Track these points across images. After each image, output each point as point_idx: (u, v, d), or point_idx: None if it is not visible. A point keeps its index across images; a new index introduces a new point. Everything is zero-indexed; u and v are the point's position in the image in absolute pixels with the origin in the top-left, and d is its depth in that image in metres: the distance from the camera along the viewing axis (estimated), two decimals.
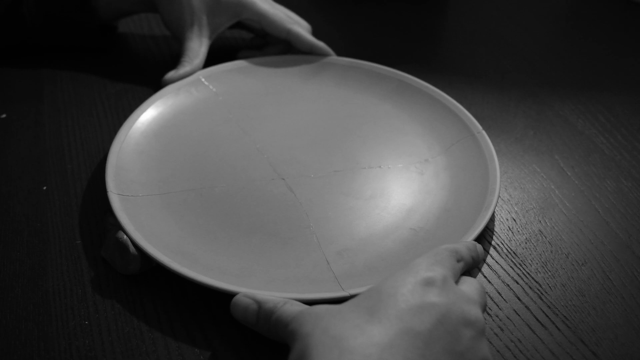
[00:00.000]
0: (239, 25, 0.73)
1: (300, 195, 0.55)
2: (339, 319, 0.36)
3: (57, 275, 0.49)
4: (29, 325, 0.46)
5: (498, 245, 0.53)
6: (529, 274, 0.51)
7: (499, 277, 0.50)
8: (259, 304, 0.42)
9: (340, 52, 0.71)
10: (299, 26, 0.70)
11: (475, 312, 0.38)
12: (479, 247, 0.46)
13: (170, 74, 0.65)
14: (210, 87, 0.66)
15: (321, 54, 0.70)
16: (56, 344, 0.44)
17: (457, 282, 0.41)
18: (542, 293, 0.49)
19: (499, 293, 0.49)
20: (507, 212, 0.56)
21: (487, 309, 0.48)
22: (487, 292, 0.49)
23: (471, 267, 0.45)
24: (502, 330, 0.46)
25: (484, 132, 0.60)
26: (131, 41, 0.77)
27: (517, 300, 0.49)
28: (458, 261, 0.42)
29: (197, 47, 0.68)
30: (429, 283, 0.38)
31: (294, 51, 0.71)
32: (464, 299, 0.38)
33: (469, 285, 0.41)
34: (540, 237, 0.54)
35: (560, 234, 0.54)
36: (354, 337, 0.34)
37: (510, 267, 0.51)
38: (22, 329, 0.45)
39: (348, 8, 0.86)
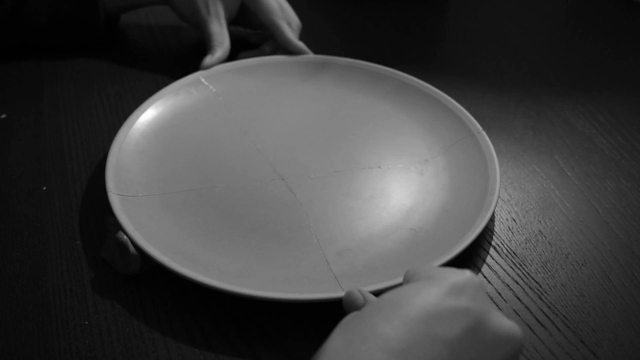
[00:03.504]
0: (242, 18, 0.74)
1: (300, 195, 0.55)
2: (358, 319, 0.33)
3: (57, 275, 0.49)
4: (29, 325, 0.46)
5: (498, 245, 0.53)
6: (528, 274, 0.51)
7: (499, 277, 0.50)
8: (366, 302, 0.39)
9: (340, 52, 0.71)
10: (286, 22, 0.71)
11: (515, 325, 0.34)
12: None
13: (207, 61, 0.66)
14: (210, 87, 0.66)
15: (296, 53, 0.70)
16: (56, 344, 0.44)
17: None
18: (542, 293, 0.49)
19: (499, 293, 0.49)
20: (507, 212, 0.56)
21: None
22: (487, 293, 0.49)
23: None
24: None
25: (483, 132, 0.60)
26: (132, 41, 0.77)
27: (517, 300, 0.49)
28: None
29: (220, 29, 0.68)
30: (464, 285, 0.34)
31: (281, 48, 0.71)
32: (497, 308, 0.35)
33: None
34: (540, 238, 0.54)
35: (560, 234, 0.54)
36: (363, 340, 0.31)
37: (510, 267, 0.51)
38: (22, 329, 0.45)
39: (348, 8, 0.86)
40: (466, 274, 0.35)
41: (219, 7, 0.69)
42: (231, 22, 0.74)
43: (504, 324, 0.34)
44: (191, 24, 0.71)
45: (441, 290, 0.33)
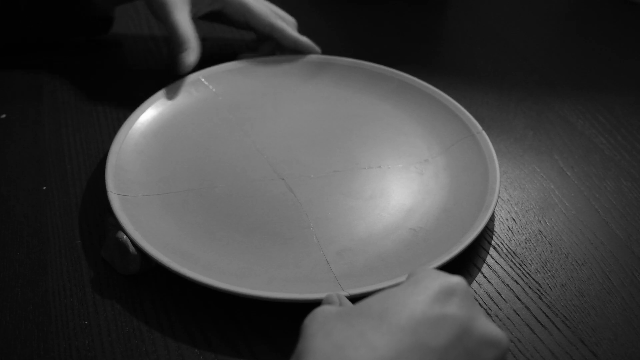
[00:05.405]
0: (225, 20, 0.72)
1: (300, 195, 0.55)
2: (344, 323, 0.33)
3: (57, 275, 0.49)
4: (29, 325, 0.46)
5: (498, 245, 0.53)
6: (528, 274, 0.51)
7: (498, 277, 0.50)
8: (340, 304, 0.40)
9: (340, 52, 0.71)
10: (283, 21, 0.69)
11: (500, 330, 0.35)
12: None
13: (191, 59, 0.63)
14: (210, 87, 0.66)
15: (305, 51, 0.69)
16: (56, 344, 0.44)
17: None
18: (541, 293, 0.49)
19: (498, 293, 0.49)
20: (507, 212, 0.56)
21: (487, 309, 0.48)
22: (487, 292, 0.49)
23: None
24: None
25: (483, 132, 0.60)
26: (131, 42, 0.77)
27: (517, 300, 0.49)
28: None
29: (187, 24, 0.64)
30: (451, 292, 0.34)
31: (282, 49, 0.70)
32: (486, 314, 0.36)
33: None
34: (540, 237, 0.54)
35: (560, 234, 0.54)
36: (355, 348, 0.32)
37: (510, 267, 0.51)
38: (22, 329, 0.45)
39: (348, 8, 0.86)
40: (453, 280, 0.35)
41: (185, 2, 0.64)
42: (206, 18, 0.71)
43: (490, 330, 0.34)
44: (156, 17, 0.66)
45: (428, 297, 0.34)
